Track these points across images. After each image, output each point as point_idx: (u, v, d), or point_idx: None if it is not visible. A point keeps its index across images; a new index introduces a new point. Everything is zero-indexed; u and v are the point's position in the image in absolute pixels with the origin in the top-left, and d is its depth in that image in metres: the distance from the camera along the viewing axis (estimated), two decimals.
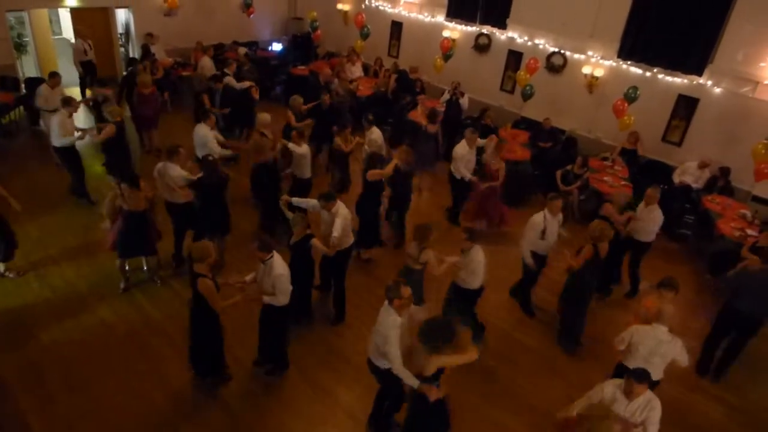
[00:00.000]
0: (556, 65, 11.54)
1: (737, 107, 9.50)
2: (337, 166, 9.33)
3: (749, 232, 8.04)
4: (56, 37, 15.45)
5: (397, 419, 5.17)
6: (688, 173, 9.72)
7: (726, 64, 9.47)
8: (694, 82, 9.89)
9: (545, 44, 11.61)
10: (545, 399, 5.82)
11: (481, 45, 12.70)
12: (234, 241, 7.74)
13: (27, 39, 12.89)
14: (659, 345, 4.91)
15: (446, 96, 11.48)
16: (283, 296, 5.23)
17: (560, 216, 6.82)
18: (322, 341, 6.39)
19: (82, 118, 10.58)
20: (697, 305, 7.55)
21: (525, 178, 9.94)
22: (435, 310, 6.00)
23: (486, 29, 12.54)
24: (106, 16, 13.26)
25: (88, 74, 11.92)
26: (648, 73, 10.37)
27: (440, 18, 13.27)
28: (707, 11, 9.39)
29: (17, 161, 9.48)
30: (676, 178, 9.79)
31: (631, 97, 9.97)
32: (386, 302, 4.58)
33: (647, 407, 4.28)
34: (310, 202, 6.39)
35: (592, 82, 11.01)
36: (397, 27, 14.41)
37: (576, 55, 11.25)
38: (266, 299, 5.26)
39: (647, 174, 10.01)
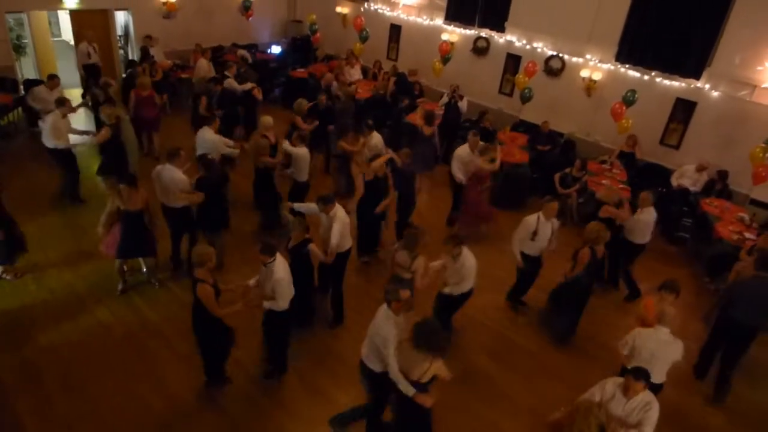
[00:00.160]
0: (554, 68, 11.57)
1: (735, 111, 9.53)
2: (342, 170, 9.33)
3: (747, 235, 8.06)
4: (55, 39, 15.50)
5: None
6: (686, 176, 9.74)
7: (723, 67, 9.49)
8: (692, 86, 9.92)
9: (543, 47, 11.64)
10: (542, 401, 5.81)
11: (480, 48, 12.72)
12: (234, 243, 7.75)
13: (26, 41, 12.90)
14: (661, 347, 4.92)
15: (445, 99, 11.50)
16: (282, 301, 5.21)
17: (555, 221, 6.80)
18: (320, 344, 6.39)
19: (82, 119, 10.56)
20: (695, 308, 7.55)
21: (523, 181, 9.97)
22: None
23: (484, 32, 12.56)
24: (105, 18, 13.26)
25: (91, 77, 11.81)
26: (646, 77, 10.40)
27: (439, 21, 13.29)
28: (705, 15, 9.42)
29: (15, 163, 9.48)
30: (674, 182, 9.81)
31: (629, 100, 9.99)
32: (384, 305, 4.58)
33: (645, 408, 4.28)
34: (311, 207, 6.38)
35: (590, 86, 11.04)
36: (395, 30, 14.43)
37: (574, 59, 11.27)
38: (266, 304, 5.24)
39: (645, 177, 10.02)
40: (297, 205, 6.44)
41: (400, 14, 14.13)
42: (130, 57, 13.67)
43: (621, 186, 9.24)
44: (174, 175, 6.64)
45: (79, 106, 9.72)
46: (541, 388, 6.10)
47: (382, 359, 4.54)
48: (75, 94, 12.58)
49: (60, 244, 7.55)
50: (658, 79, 10.29)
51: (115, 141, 8.25)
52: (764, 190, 9.19)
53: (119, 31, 14.00)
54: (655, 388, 4.99)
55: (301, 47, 16.00)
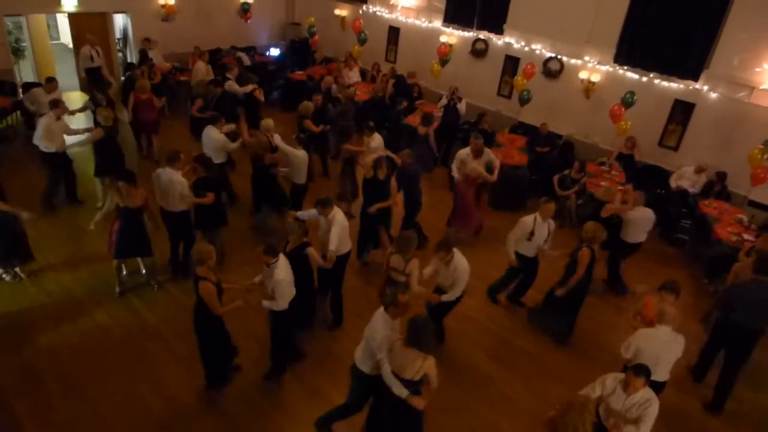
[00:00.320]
0: (553, 70, 11.58)
1: (733, 112, 9.54)
2: (347, 173, 9.31)
3: (746, 236, 8.06)
4: (54, 42, 15.49)
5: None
6: (685, 178, 9.75)
7: (722, 69, 9.51)
8: (690, 87, 9.93)
9: (542, 49, 11.65)
10: (541, 401, 5.80)
11: (478, 50, 12.73)
12: (234, 243, 7.75)
13: (25, 44, 12.90)
14: (665, 346, 4.95)
15: (444, 101, 11.51)
16: (282, 301, 5.22)
17: (552, 222, 6.81)
18: (319, 346, 6.38)
19: (83, 120, 10.55)
20: (694, 309, 7.55)
21: (522, 183, 9.97)
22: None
23: (483, 34, 12.58)
24: (104, 21, 13.26)
25: (94, 81, 11.73)
26: (644, 78, 10.41)
27: (437, 23, 13.31)
28: (703, 16, 9.44)
29: (14, 165, 9.46)
30: (673, 183, 9.82)
31: (627, 102, 10.00)
32: (381, 308, 4.58)
33: (645, 404, 4.29)
34: (312, 213, 6.36)
35: (588, 87, 11.05)
36: (394, 32, 14.44)
37: (573, 61, 11.29)
38: (266, 303, 5.25)
39: (644, 178, 10.03)
40: (300, 214, 6.43)
41: (398, 16, 14.15)
42: (129, 60, 13.67)
43: (620, 188, 9.24)
44: (173, 178, 6.62)
45: (81, 110, 9.72)
46: (540, 388, 6.10)
47: (374, 361, 4.54)
48: (73, 98, 12.59)
49: (58, 247, 7.54)
50: (656, 81, 10.30)
51: (111, 143, 8.22)
52: (763, 191, 9.20)
53: (118, 34, 14.01)
54: (659, 386, 5.04)
55: (299, 50, 16.01)
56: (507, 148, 10.44)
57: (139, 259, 7.09)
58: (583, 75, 11.10)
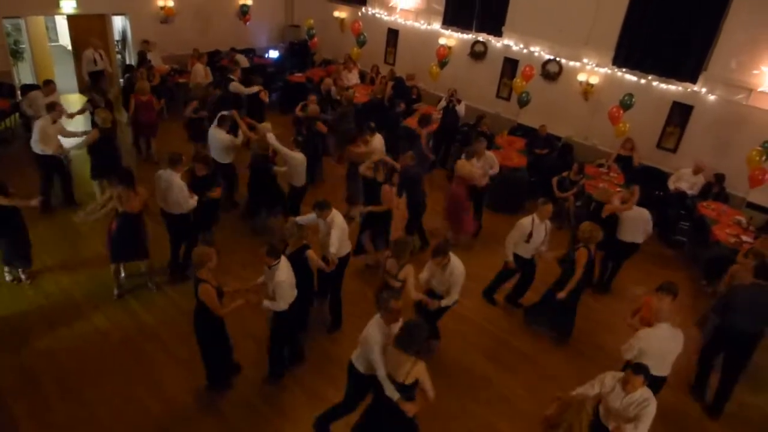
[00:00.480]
0: (551, 73, 11.59)
1: (731, 114, 9.55)
2: (352, 176, 9.31)
3: (744, 238, 8.07)
4: (53, 44, 15.48)
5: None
6: (684, 180, 9.76)
7: (720, 71, 9.52)
8: (689, 90, 9.94)
9: (541, 52, 11.66)
10: (539, 402, 5.78)
11: (477, 52, 12.75)
12: (231, 246, 7.75)
13: (23, 46, 12.92)
14: (667, 343, 5.01)
15: (443, 103, 11.52)
16: (282, 302, 5.23)
17: (548, 223, 6.83)
18: (319, 349, 6.37)
19: (81, 123, 10.55)
20: (692, 310, 7.55)
21: (521, 185, 9.98)
22: None
23: (482, 37, 12.59)
24: (102, 23, 13.28)
25: (97, 85, 11.75)
26: (643, 81, 10.42)
27: (436, 26, 13.32)
28: (701, 19, 9.45)
29: (12, 168, 9.43)
30: (672, 185, 9.83)
31: (626, 104, 10.02)
32: (377, 314, 4.59)
33: (643, 404, 4.30)
34: (311, 218, 6.34)
35: (587, 90, 11.06)
36: (393, 34, 14.45)
37: (571, 63, 11.30)
38: (266, 304, 5.26)
39: (643, 180, 10.02)
40: (299, 219, 6.37)
41: (397, 19, 14.16)
42: (128, 62, 13.68)
43: (618, 189, 9.25)
44: (173, 180, 6.62)
45: (79, 112, 9.72)
46: (538, 389, 6.09)
47: (369, 361, 4.55)
48: (72, 100, 12.60)
49: (56, 250, 7.53)
50: (654, 83, 10.32)
51: (108, 145, 8.22)
52: (761, 193, 9.21)
53: (117, 36, 14.02)
54: (661, 381, 5.13)
55: (298, 52, 16.03)
56: (506, 150, 10.45)
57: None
58: (581, 77, 11.11)
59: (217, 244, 7.15)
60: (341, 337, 6.58)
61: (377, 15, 14.52)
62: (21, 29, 12.59)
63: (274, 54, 15.72)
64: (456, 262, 5.75)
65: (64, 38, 15.88)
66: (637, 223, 7.38)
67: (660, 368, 5.02)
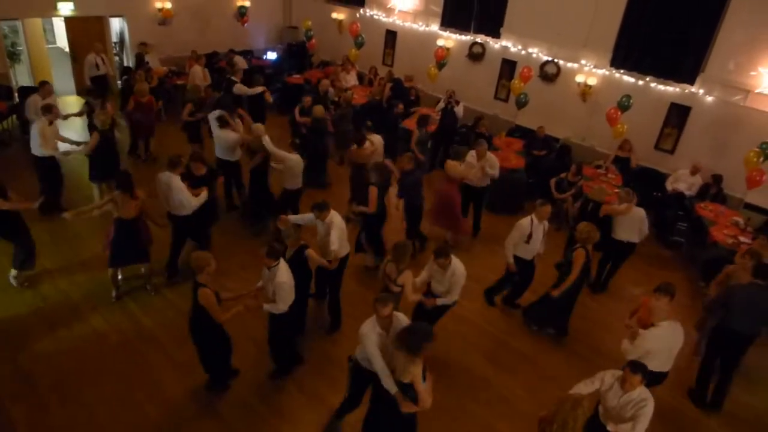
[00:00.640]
0: (549, 74, 11.62)
1: (729, 116, 9.58)
2: (357, 178, 9.30)
3: (742, 239, 8.08)
4: (50, 46, 15.45)
5: None
6: (681, 181, 9.79)
7: (717, 73, 9.55)
8: (686, 91, 9.98)
9: (539, 53, 11.69)
10: (538, 403, 5.78)
11: (475, 54, 12.77)
12: (230, 249, 7.73)
13: (21, 48, 12.88)
14: (671, 339, 5.09)
15: (441, 104, 11.52)
16: (283, 304, 5.22)
17: (545, 224, 6.85)
18: (317, 350, 6.36)
19: (79, 126, 10.53)
20: (690, 311, 7.56)
21: (519, 186, 9.99)
22: None
23: (480, 38, 12.61)
24: (100, 25, 13.27)
25: (100, 89, 11.67)
26: (641, 82, 10.45)
27: (434, 27, 13.34)
28: (699, 20, 9.49)
29: (10, 170, 9.39)
30: (669, 186, 9.86)
31: (624, 105, 10.04)
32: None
33: (641, 404, 4.31)
34: (306, 218, 6.32)
35: (585, 91, 11.08)
36: (391, 36, 14.47)
37: (569, 64, 11.32)
38: (266, 307, 5.25)
39: (641, 182, 10.06)
40: (293, 218, 6.37)
41: (395, 20, 14.18)
42: (125, 64, 13.66)
43: (616, 191, 9.27)
44: (171, 183, 6.61)
45: (78, 113, 9.70)
46: (538, 390, 6.09)
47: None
48: (69, 102, 12.58)
49: (54, 252, 7.51)
50: (652, 84, 10.34)
51: (107, 147, 8.21)
52: (758, 194, 9.23)
53: (114, 38, 14.01)
54: (663, 377, 5.23)
55: (296, 53, 16.03)
56: (504, 151, 10.46)
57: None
58: (579, 78, 11.14)
59: (215, 248, 7.27)
60: (340, 338, 6.57)
61: (375, 16, 14.54)
62: (18, 31, 12.56)
63: (272, 55, 15.73)
64: (457, 264, 5.75)
65: (62, 40, 15.86)
66: (632, 223, 7.38)
67: (665, 365, 5.15)
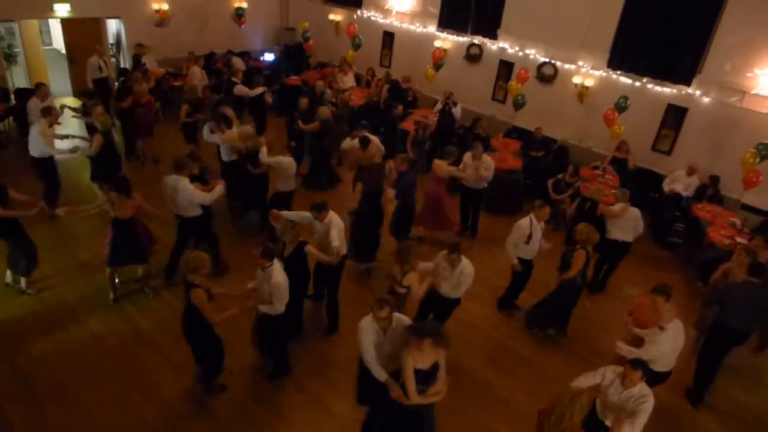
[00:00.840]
0: (547, 75, 11.64)
1: (725, 117, 9.61)
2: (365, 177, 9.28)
3: (739, 240, 8.10)
4: (46, 47, 15.41)
5: None
6: (678, 182, 9.81)
7: (714, 74, 9.58)
8: (683, 92, 10.00)
9: (536, 54, 11.70)
10: (538, 405, 5.78)
11: (473, 55, 12.78)
12: (230, 249, 7.73)
13: (17, 49, 12.84)
14: (680, 340, 5.20)
15: (439, 106, 11.54)
16: (279, 305, 5.21)
17: (542, 224, 6.88)
18: (315, 351, 6.36)
19: (77, 127, 10.49)
20: (688, 312, 7.58)
21: (517, 187, 10.00)
22: None
23: (477, 39, 12.63)
24: (97, 26, 13.23)
25: (102, 91, 11.62)
26: (637, 83, 10.48)
27: (432, 28, 13.35)
28: (696, 22, 9.52)
29: (7, 172, 9.35)
30: (666, 187, 9.88)
31: (621, 106, 10.06)
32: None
33: (641, 399, 4.36)
34: (301, 215, 6.32)
35: (582, 92, 11.11)
36: (389, 37, 14.48)
37: (566, 65, 11.34)
38: (262, 308, 5.23)
39: (638, 182, 10.08)
40: (286, 214, 6.32)
41: (393, 21, 14.19)
42: (122, 65, 13.64)
43: (613, 191, 9.28)
44: (178, 185, 6.60)
45: (74, 110, 9.68)
46: (538, 392, 6.08)
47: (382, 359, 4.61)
48: (68, 102, 12.52)
49: (51, 255, 7.47)
50: (649, 86, 10.37)
51: (109, 147, 8.22)
52: (755, 195, 9.25)
53: (111, 40, 13.98)
54: (667, 376, 5.34)
55: (294, 54, 16.02)
56: (501, 152, 10.48)
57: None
58: (576, 80, 11.16)
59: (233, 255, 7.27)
60: (338, 340, 6.57)
61: (373, 18, 14.55)
62: (14, 33, 12.53)
63: (269, 57, 15.72)
64: (466, 263, 5.83)
65: (58, 42, 15.83)
66: (626, 222, 7.40)
67: (670, 364, 5.27)
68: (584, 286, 6.75)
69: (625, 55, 10.50)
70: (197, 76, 11.93)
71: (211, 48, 14.66)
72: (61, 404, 5.35)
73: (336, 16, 15.40)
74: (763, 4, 8.85)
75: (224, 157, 8.48)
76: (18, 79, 12.79)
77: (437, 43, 12.98)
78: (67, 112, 9.39)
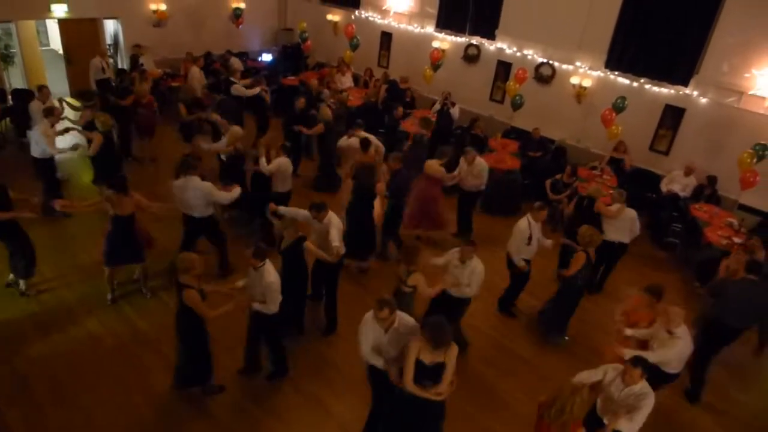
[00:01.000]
0: (544, 76, 11.66)
1: (723, 117, 9.64)
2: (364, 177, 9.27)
3: (736, 240, 8.12)
4: (44, 48, 15.38)
5: None
6: (676, 182, 9.83)
7: (711, 74, 9.61)
8: (681, 93, 10.03)
9: (534, 55, 11.73)
10: (537, 407, 5.80)
11: (471, 56, 12.80)
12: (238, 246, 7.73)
13: (14, 50, 12.83)
14: (688, 343, 5.26)
15: (437, 106, 11.55)
16: (273, 305, 5.22)
17: (539, 224, 6.90)
18: (313, 351, 6.35)
19: (74, 117, 10.48)
20: (686, 312, 7.59)
21: (515, 188, 10.01)
22: None
23: (475, 40, 12.64)
24: (94, 27, 13.22)
25: (104, 93, 11.64)
26: (635, 84, 10.50)
27: (430, 29, 13.37)
28: (693, 23, 9.55)
29: (4, 173, 9.32)
30: (664, 187, 9.89)
31: (619, 107, 10.08)
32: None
33: (641, 397, 4.38)
34: (300, 212, 6.30)
35: (580, 93, 11.13)
36: (386, 38, 14.49)
37: (564, 66, 11.37)
38: (256, 306, 5.24)
39: (635, 183, 10.10)
40: (283, 209, 6.29)
41: (391, 22, 14.20)
42: (120, 66, 13.62)
43: (610, 192, 9.29)
44: (189, 184, 6.62)
45: (72, 108, 9.69)
46: (536, 392, 6.04)
47: (384, 356, 4.63)
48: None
49: (49, 256, 7.45)
50: (647, 86, 10.40)
51: (109, 148, 8.24)
52: (752, 195, 9.28)
53: (108, 40, 13.96)
54: (675, 377, 5.41)
55: (291, 55, 16.01)
56: (499, 152, 10.48)
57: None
58: (574, 80, 11.18)
59: (201, 248, 7.24)
60: (336, 340, 6.57)
61: (370, 18, 14.55)
62: (11, 33, 12.52)
63: (267, 57, 15.71)
64: (477, 261, 5.87)
65: (55, 42, 15.81)
66: (623, 223, 7.40)
67: (679, 367, 5.32)
68: (584, 289, 6.74)
69: (622, 55, 10.53)
70: (197, 76, 11.91)
71: (208, 48, 14.64)
72: (60, 405, 5.34)
73: (334, 16, 15.41)
74: (760, 5, 8.88)
75: (223, 157, 8.52)
76: (15, 79, 12.77)
77: (435, 44, 12.99)
78: (67, 112, 9.40)
